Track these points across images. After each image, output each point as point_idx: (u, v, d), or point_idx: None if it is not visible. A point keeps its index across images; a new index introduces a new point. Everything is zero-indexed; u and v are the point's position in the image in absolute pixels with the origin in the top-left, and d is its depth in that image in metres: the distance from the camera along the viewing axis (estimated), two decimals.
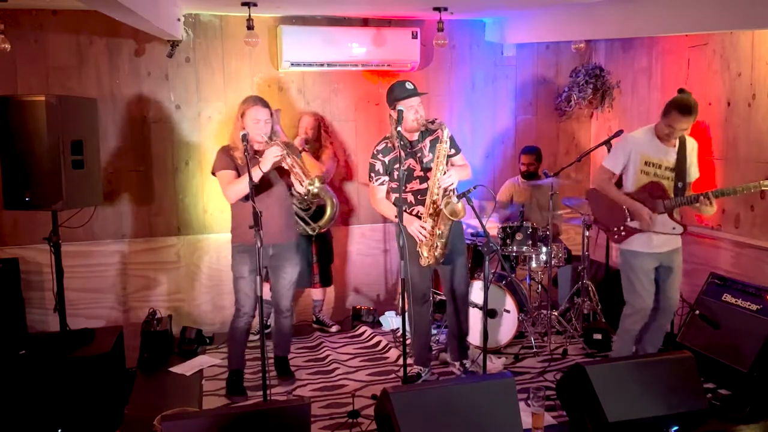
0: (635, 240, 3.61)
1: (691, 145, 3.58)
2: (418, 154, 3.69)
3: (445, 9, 4.48)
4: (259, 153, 3.53)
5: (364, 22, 4.94)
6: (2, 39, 3.76)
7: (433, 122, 3.58)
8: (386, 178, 3.73)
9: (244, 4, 4.17)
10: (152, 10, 3.66)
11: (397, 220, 3.48)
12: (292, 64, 4.71)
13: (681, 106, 3.39)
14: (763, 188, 3.27)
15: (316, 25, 4.77)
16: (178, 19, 4.42)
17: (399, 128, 3.39)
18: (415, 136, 3.71)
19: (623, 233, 3.66)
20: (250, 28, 4.32)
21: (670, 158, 3.54)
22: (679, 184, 3.52)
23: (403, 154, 3.62)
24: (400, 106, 3.54)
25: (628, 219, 3.63)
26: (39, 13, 4.34)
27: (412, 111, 3.57)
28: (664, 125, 3.47)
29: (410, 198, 3.72)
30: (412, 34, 4.84)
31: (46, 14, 4.36)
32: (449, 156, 3.70)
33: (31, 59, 4.37)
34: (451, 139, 3.69)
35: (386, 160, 3.69)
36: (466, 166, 3.83)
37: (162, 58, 4.61)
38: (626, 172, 3.64)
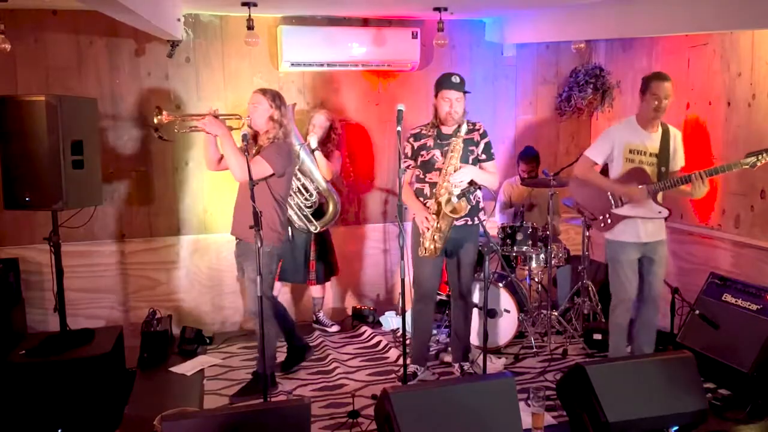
0: (623, 231, 3.64)
1: (674, 133, 3.67)
2: (446, 148, 3.69)
3: (445, 9, 4.48)
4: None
5: (364, 22, 4.93)
6: (2, 39, 3.77)
7: (474, 124, 3.70)
8: (412, 162, 3.78)
9: (244, 4, 4.17)
10: (152, 10, 3.65)
11: (410, 208, 3.63)
12: (292, 64, 4.71)
13: (656, 75, 3.57)
14: (760, 162, 3.30)
15: (316, 25, 4.77)
16: (178, 19, 4.42)
17: (399, 128, 3.39)
18: (450, 130, 3.71)
19: (609, 221, 3.68)
20: (250, 28, 4.32)
21: (654, 144, 3.61)
22: (662, 169, 3.58)
23: (414, 146, 3.75)
24: (442, 97, 3.65)
25: (614, 206, 3.65)
26: (39, 13, 4.34)
27: (448, 104, 3.64)
28: (649, 100, 3.53)
29: (426, 189, 3.74)
30: (412, 34, 4.83)
31: (46, 14, 4.36)
32: (480, 160, 3.75)
33: (31, 59, 4.37)
34: (487, 145, 3.76)
35: (415, 145, 3.76)
36: (493, 174, 3.81)
37: (162, 58, 4.61)
38: (612, 162, 3.68)
